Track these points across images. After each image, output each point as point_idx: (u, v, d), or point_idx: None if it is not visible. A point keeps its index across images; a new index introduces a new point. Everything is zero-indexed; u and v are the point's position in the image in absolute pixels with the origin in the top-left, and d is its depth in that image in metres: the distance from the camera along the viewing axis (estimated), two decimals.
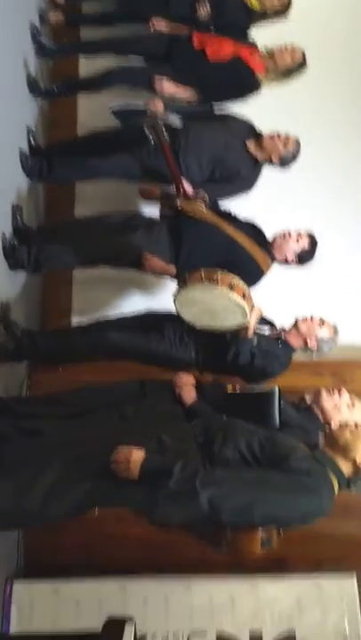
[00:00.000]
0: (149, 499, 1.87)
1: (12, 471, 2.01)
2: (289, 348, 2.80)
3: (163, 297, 3.24)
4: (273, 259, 3.07)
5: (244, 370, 2.71)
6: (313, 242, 3.07)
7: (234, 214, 3.24)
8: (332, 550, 3.27)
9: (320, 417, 2.42)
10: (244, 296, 2.56)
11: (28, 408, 2.54)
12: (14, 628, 2.99)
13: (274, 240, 3.07)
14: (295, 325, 2.81)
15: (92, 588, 3.09)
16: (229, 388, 2.47)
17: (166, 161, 3.00)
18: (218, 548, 2.35)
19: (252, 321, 2.63)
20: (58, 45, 3.73)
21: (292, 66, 3.42)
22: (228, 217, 3.20)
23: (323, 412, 2.42)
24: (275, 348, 2.75)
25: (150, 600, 3.08)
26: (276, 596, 3.11)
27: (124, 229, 3.04)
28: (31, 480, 1.95)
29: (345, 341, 2.99)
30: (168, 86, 3.39)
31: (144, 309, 3.08)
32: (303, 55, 3.43)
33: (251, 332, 2.64)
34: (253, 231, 3.13)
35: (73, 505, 1.94)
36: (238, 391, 2.46)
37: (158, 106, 3.30)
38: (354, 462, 1.96)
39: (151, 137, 2.96)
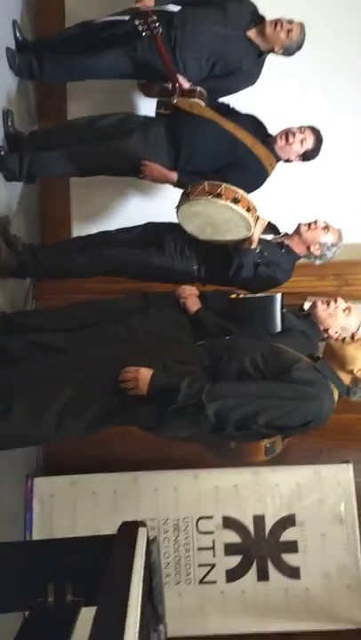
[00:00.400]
0: (158, 414, 1.97)
1: (25, 394, 2.08)
2: (292, 255, 2.78)
3: (163, 202, 3.14)
4: (278, 158, 2.96)
5: (248, 281, 2.71)
6: (318, 139, 2.94)
7: (233, 108, 3.09)
8: (330, 441, 3.48)
9: (319, 324, 2.49)
10: (248, 209, 2.51)
11: (37, 321, 2.60)
12: (36, 518, 3.25)
13: (278, 138, 2.94)
14: (298, 231, 2.75)
15: (107, 479, 3.34)
16: (233, 295, 2.51)
17: (160, 55, 2.82)
18: (224, 458, 2.51)
19: (256, 233, 2.59)
20: None
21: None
22: (228, 112, 3.06)
23: (320, 321, 2.49)
24: (278, 257, 2.73)
25: (161, 490, 3.33)
26: (277, 483, 3.36)
27: (119, 133, 2.91)
28: (45, 402, 2.04)
29: (348, 241, 2.95)
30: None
31: (144, 218, 3.02)
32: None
33: (254, 244, 2.61)
34: (255, 127, 3.00)
35: (86, 425, 2.04)
36: (241, 297, 2.49)
37: (149, 2, 3.02)
38: (352, 373, 2.04)
39: (143, 30, 2.76)
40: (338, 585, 3.31)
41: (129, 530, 1.84)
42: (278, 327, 2.37)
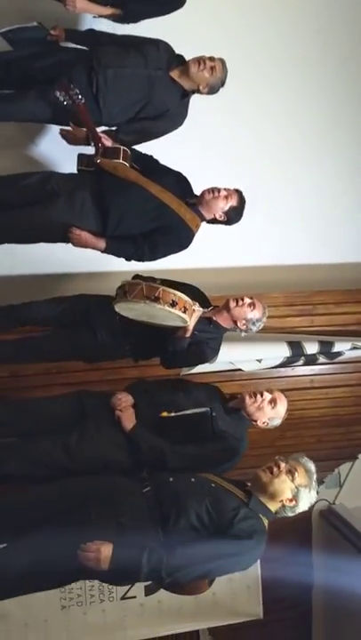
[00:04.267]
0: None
1: None
2: (220, 330, 2.87)
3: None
4: (202, 218, 2.97)
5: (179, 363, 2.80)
6: (241, 200, 2.97)
7: (158, 162, 3.01)
8: None
9: (247, 418, 2.63)
10: (185, 309, 2.54)
11: None
12: None
13: (202, 196, 2.91)
14: (226, 306, 2.81)
15: None
16: (164, 414, 2.54)
17: (82, 120, 2.71)
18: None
19: (192, 324, 2.64)
20: None
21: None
22: (153, 168, 2.97)
23: (249, 415, 2.62)
24: (207, 335, 2.80)
25: None
26: None
27: (43, 197, 2.75)
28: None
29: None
30: (82, 4, 2.80)
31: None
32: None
33: (188, 334, 2.67)
34: (180, 185, 2.95)
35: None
36: (173, 414, 2.54)
37: (59, 34, 2.89)
38: (281, 502, 2.29)
39: (64, 100, 2.62)
40: (240, 586, 3.80)
41: None
42: (211, 438, 2.51)
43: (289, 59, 3.76)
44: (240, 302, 2.80)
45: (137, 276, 2.78)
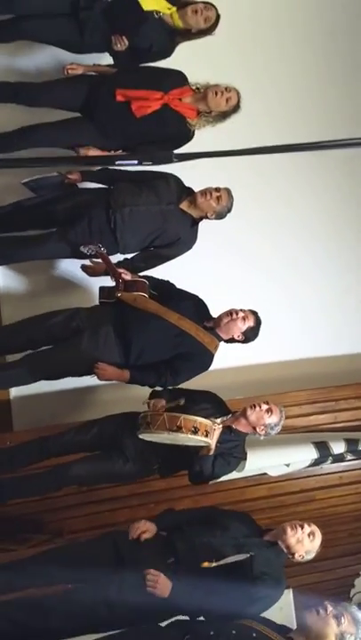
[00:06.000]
0: None
1: None
2: (241, 436, 2.90)
3: None
4: (219, 338, 3.07)
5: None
6: (257, 320, 3.08)
7: (174, 286, 3.17)
8: None
9: (285, 550, 2.58)
10: (207, 433, 2.63)
11: None
12: None
13: (220, 319, 3.03)
14: (244, 414, 2.85)
15: None
16: (205, 564, 2.47)
17: (104, 263, 2.92)
18: None
19: (213, 443, 2.70)
20: None
21: (226, 110, 3.15)
22: (171, 294, 3.12)
23: (288, 547, 2.58)
24: (229, 445, 2.84)
25: None
26: None
27: (69, 334, 2.92)
28: None
29: None
30: (94, 154, 3.08)
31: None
32: (238, 96, 3.15)
33: (212, 452, 2.73)
34: (196, 309, 3.08)
35: None
36: (215, 564, 2.47)
37: (74, 177, 3.12)
38: None
39: (88, 251, 2.89)
40: None
41: None
42: (250, 579, 2.45)
43: (292, 171, 3.96)
44: (257, 408, 2.84)
45: (154, 393, 2.88)
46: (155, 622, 2.34)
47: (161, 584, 2.35)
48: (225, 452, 2.83)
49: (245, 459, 3.07)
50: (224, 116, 3.18)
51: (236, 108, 3.16)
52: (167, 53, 3.24)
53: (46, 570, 2.51)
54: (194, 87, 3.15)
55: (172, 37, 3.21)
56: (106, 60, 3.20)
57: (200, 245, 3.28)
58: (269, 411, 2.85)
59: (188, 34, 3.21)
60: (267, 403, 2.87)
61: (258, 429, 2.85)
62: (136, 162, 2.17)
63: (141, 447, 2.84)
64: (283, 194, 4.01)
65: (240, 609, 2.38)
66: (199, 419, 2.63)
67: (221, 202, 3.10)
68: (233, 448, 2.87)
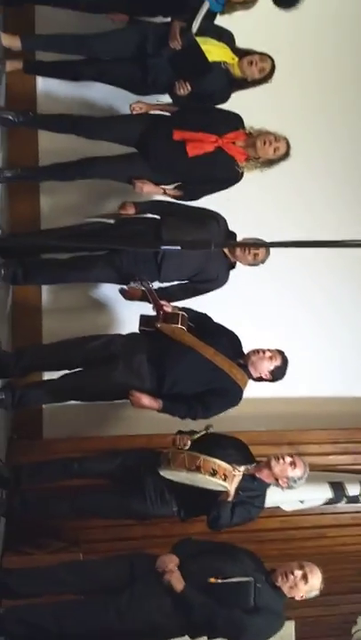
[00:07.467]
0: None
1: None
2: (264, 485, 2.98)
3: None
4: (249, 376, 3.15)
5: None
6: (284, 359, 3.16)
7: (210, 321, 3.26)
8: None
9: (286, 593, 2.72)
10: (225, 477, 2.73)
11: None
12: None
13: (248, 357, 3.13)
14: (268, 465, 2.92)
15: None
16: (212, 580, 2.65)
17: (149, 295, 3.04)
18: None
19: (233, 489, 2.80)
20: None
21: (273, 158, 3.25)
22: (206, 327, 3.21)
23: (286, 592, 2.72)
24: (251, 493, 2.92)
25: None
26: None
27: (106, 362, 3.02)
28: None
29: None
30: (148, 188, 3.19)
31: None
32: (287, 145, 3.23)
33: (230, 498, 2.82)
34: (231, 345, 3.17)
35: None
36: (220, 581, 2.65)
37: (130, 210, 3.25)
38: None
39: (136, 284, 3.04)
40: None
41: None
42: (251, 605, 2.62)
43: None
44: (281, 461, 2.91)
45: (180, 432, 2.97)
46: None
47: (175, 578, 2.59)
48: (246, 501, 2.91)
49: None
50: (271, 163, 3.26)
51: (285, 156, 3.24)
52: (225, 100, 3.33)
53: (62, 579, 2.73)
54: (248, 131, 3.23)
55: (232, 85, 3.30)
56: (166, 98, 3.30)
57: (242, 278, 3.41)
58: (293, 464, 2.91)
59: (245, 83, 3.29)
60: (291, 456, 2.94)
61: (281, 481, 2.92)
62: (179, 247, 2.25)
63: (162, 487, 2.94)
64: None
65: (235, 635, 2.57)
66: (219, 461, 2.73)
67: (258, 257, 3.25)
68: (255, 497, 2.95)
